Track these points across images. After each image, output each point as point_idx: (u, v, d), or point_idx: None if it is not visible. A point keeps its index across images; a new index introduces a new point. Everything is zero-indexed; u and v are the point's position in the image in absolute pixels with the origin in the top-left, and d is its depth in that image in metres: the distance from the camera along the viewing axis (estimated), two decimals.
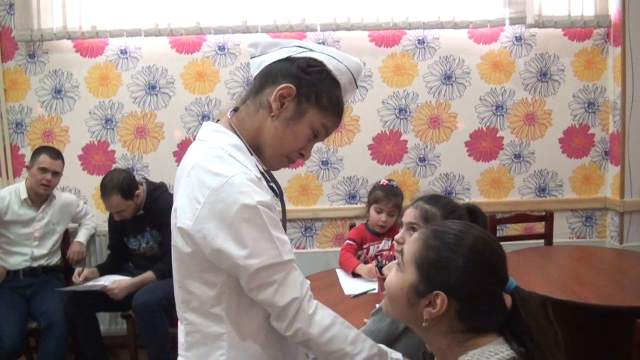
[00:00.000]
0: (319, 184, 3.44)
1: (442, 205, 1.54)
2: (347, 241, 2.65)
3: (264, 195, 1.10)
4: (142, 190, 2.88)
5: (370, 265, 2.44)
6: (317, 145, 3.37)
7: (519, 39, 3.37)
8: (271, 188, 1.24)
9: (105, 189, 2.77)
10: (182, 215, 1.11)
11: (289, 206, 3.42)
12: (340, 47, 3.29)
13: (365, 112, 3.40)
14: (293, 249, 3.52)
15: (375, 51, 3.36)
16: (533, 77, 3.40)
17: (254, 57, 1.26)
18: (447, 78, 3.39)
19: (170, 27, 3.24)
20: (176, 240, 1.15)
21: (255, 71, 1.24)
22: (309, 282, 1.19)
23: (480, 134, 3.43)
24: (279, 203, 1.27)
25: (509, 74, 3.39)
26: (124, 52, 3.35)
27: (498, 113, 3.42)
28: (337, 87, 1.21)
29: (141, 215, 2.90)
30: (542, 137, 3.45)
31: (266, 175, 1.23)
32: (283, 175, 3.37)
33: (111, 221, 3.03)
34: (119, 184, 2.77)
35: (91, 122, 3.40)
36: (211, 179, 1.07)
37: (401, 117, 3.41)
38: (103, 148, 3.41)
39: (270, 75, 1.20)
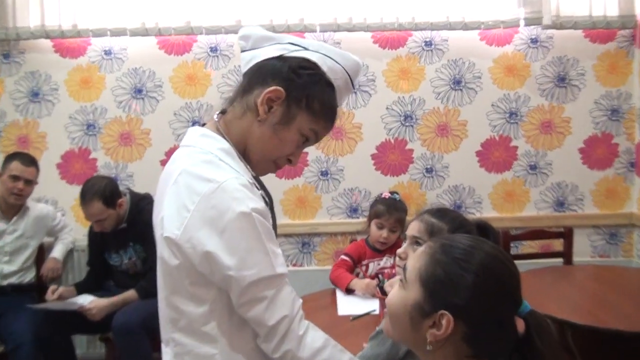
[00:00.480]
0: (318, 196, 3.42)
1: (450, 220, 1.53)
2: (342, 257, 2.64)
3: (258, 202, 1.11)
4: (125, 201, 2.85)
5: (367, 279, 2.41)
6: (316, 154, 3.37)
7: (534, 41, 3.36)
8: (263, 196, 1.24)
9: (86, 195, 2.75)
10: (169, 224, 1.11)
11: (285, 220, 3.40)
12: (342, 49, 3.27)
13: (368, 119, 3.38)
14: (289, 265, 3.49)
15: (379, 54, 3.35)
16: (550, 82, 3.38)
17: (245, 50, 1.26)
18: (457, 83, 3.37)
19: (159, 27, 3.23)
20: (162, 252, 1.14)
21: (245, 67, 1.25)
22: (300, 300, 1.18)
23: (492, 143, 3.41)
24: (272, 214, 1.27)
25: (524, 78, 3.37)
26: (107, 52, 3.34)
27: (512, 121, 3.40)
28: (331, 91, 1.22)
29: (124, 229, 2.86)
30: (560, 147, 3.42)
31: (255, 183, 1.22)
32: (279, 186, 3.36)
33: (91, 235, 2.99)
34: (100, 190, 2.75)
35: (71, 127, 3.38)
36: (201, 185, 1.08)
37: (407, 124, 3.38)
38: (84, 156, 3.39)
39: (260, 75, 1.20)
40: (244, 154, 1.20)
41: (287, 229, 3.38)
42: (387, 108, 3.38)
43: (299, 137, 1.20)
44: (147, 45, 3.33)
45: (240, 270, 1.07)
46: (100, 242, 2.96)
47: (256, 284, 1.08)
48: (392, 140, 3.40)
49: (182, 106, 3.35)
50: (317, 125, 1.20)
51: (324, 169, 3.42)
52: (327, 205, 3.43)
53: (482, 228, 1.48)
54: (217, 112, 1.25)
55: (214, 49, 3.33)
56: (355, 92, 3.36)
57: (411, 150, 3.40)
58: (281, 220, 3.40)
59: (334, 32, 3.29)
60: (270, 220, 1.15)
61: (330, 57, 1.22)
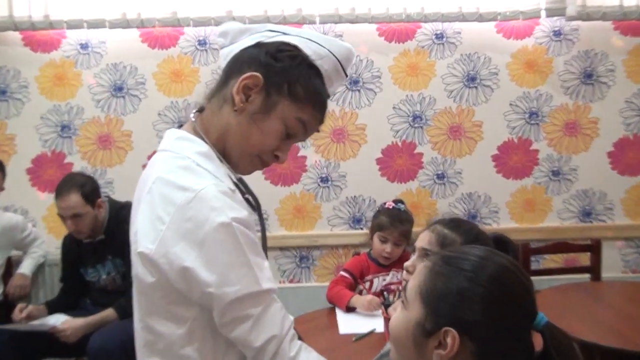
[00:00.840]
0: (317, 204, 3.42)
1: (464, 232, 1.54)
2: (341, 273, 2.63)
3: (239, 210, 1.10)
4: (104, 205, 2.85)
5: (369, 295, 2.40)
6: (316, 159, 3.38)
7: (557, 33, 3.36)
8: (247, 201, 1.23)
9: (63, 187, 2.75)
10: (143, 238, 1.11)
11: (281, 231, 3.40)
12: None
13: (373, 120, 3.39)
14: (285, 282, 3.48)
15: (384, 48, 3.36)
16: (575, 78, 3.39)
17: (224, 47, 1.28)
18: (471, 80, 3.38)
19: (141, 18, 3.23)
20: (137, 269, 1.14)
21: (223, 63, 1.26)
22: (292, 318, 1.17)
23: (510, 146, 3.41)
24: (260, 220, 1.27)
25: (546, 75, 3.38)
26: (84, 46, 3.34)
27: (532, 121, 3.40)
28: (316, 75, 1.22)
29: (102, 241, 2.85)
30: (586, 151, 3.42)
31: (240, 186, 1.23)
32: (274, 194, 3.36)
33: (65, 247, 2.98)
34: (80, 183, 2.77)
35: (44, 129, 3.38)
36: (177, 194, 1.08)
37: (416, 125, 3.39)
38: (58, 160, 3.39)
39: (236, 64, 1.21)
40: (225, 154, 1.21)
41: (284, 241, 3.38)
42: (393, 108, 3.38)
43: (282, 128, 1.19)
44: (129, 39, 3.33)
45: (221, 286, 1.07)
46: (75, 255, 2.94)
47: (240, 301, 1.08)
48: (400, 143, 3.40)
49: (167, 105, 3.35)
50: (302, 113, 1.20)
51: (324, 175, 3.41)
52: (327, 215, 3.42)
53: (501, 242, 1.48)
54: (194, 111, 1.25)
55: (202, 43, 3.34)
56: (359, 90, 3.37)
57: (420, 154, 3.40)
58: (277, 231, 3.40)
59: (335, 24, 3.29)
60: (256, 230, 1.15)
61: (313, 41, 1.23)
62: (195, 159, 1.14)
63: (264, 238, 1.26)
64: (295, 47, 1.20)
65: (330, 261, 3.44)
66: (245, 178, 1.30)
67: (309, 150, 3.40)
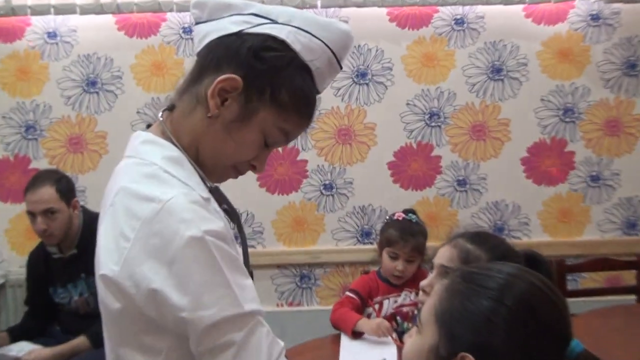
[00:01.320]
0: (320, 216, 3.42)
1: (490, 247, 1.55)
2: (347, 293, 2.63)
3: (213, 221, 1.10)
4: (79, 210, 2.85)
5: (378, 319, 2.40)
6: (318, 163, 3.38)
7: (595, 17, 3.37)
8: (225, 212, 1.23)
9: (36, 180, 2.78)
10: (105, 259, 1.11)
11: (278, 247, 3.41)
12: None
13: (384, 118, 3.40)
14: (283, 305, 3.46)
15: (396, 35, 3.37)
16: (616, 69, 3.39)
17: (199, 22, 1.26)
18: (496, 71, 3.38)
19: (117, 2, 3.24)
20: (101, 294, 1.14)
21: (198, 45, 1.24)
22: (282, 344, 1.16)
23: (542, 147, 3.42)
24: (240, 232, 1.27)
25: (582, 65, 3.38)
26: (52, 35, 3.36)
27: (567, 119, 3.41)
28: (305, 76, 1.21)
29: (74, 256, 2.86)
30: (630, 153, 3.43)
31: (217, 194, 1.23)
32: (270, 204, 3.37)
33: (32, 264, 2.98)
34: (56, 177, 2.80)
35: (5, 130, 3.40)
36: (142, 206, 1.08)
37: (433, 124, 3.39)
38: (22, 166, 3.40)
39: (213, 58, 1.20)
40: (197, 158, 1.21)
41: (281, 258, 3.38)
42: (407, 104, 3.39)
43: (261, 138, 1.20)
44: (103, 26, 3.34)
45: (195, 310, 1.05)
46: (43, 273, 2.94)
47: (218, 326, 1.06)
48: (414, 145, 3.40)
49: (148, 102, 3.36)
50: (286, 122, 1.20)
51: (327, 182, 3.42)
52: (331, 227, 3.43)
53: (532, 259, 1.49)
54: (163, 109, 1.25)
55: (187, 30, 3.34)
56: (367, 84, 3.37)
57: (438, 158, 3.41)
58: (274, 247, 3.40)
59: (340, 8, 3.30)
60: (235, 243, 1.15)
61: (306, 31, 1.21)
62: (162, 165, 1.14)
63: (245, 253, 1.25)
64: (283, 43, 1.18)
65: (335, 281, 3.44)
66: (236, 185, 1.30)
67: (311, 153, 3.40)
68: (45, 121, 3.38)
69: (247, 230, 3.34)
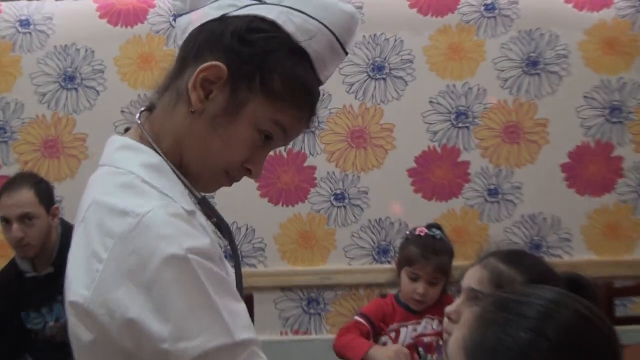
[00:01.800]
0: (331, 230, 3.43)
1: (527, 268, 1.55)
2: (355, 317, 2.63)
3: (198, 238, 1.10)
4: (58, 219, 2.88)
5: (396, 346, 2.39)
6: (328, 169, 3.39)
7: None
8: (216, 226, 1.24)
9: (12, 182, 2.81)
10: (75, 283, 1.10)
11: (282, 266, 3.41)
12: (364, 18, 3.32)
13: (403, 118, 3.41)
14: (287, 333, 3.44)
15: (418, 23, 3.38)
16: None
17: (182, 14, 1.26)
18: (532, 64, 3.39)
19: None
20: (72, 323, 1.13)
21: (181, 37, 1.25)
22: None
23: (585, 152, 3.42)
24: (232, 250, 1.26)
25: (631, 57, 3.39)
26: (24, 23, 3.38)
27: (614, 119, 3.41)
28: (302, 60, 1.21)
29: (50, 276, 2.86)
30: None
31: (205, 206, 1.23)
32: (273, 217, 3.37)
33: (2, 284, 2.98)
34: (36, 180, 2.84)
35: None
36: (116, 222, 1.08)
37: (459, 125, 3.40)
38: None
39: (192, 47, 1.20)
40: (181, 164, 1.21)
41: (286, 279, 3.39)
42: (430, 102, 3.40)
43: (255, 134, 1.19)
44: (83, 13, 3.36)
45: (178, 340, 1.04)
46: (15, 294, 2.94)
47: (205, 359, 1.05)
48: (439, 149, 3.41)
49: (134, 100, 3.37)
50: (281, 113, 1.19)
51: (339, 191, 3.43)
52: (344, 244, 3.43)
53: (575, 282, 1.49)
54: (141, 110, 1.25)
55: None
56: (384, 79, 3.37)
57: (466, 163, 3.41)
58: (277, 266, 3.41)
59: None
60: (224, 263, 1.15)
61: (300, 11, 1.20)
62: (140, 174, 1.14)
63: (238, 273, 1.24)
64: (272, 24, 1.18)
65: (347, 305, 3.42)
66: (234, 195, 1.29)
67: (319, 159, 3.41)
68: (16, 122, 3.40)
69: (246, 247, 3.36)
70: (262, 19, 1.17)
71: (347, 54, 1.28)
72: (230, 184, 1.26)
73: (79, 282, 1.09)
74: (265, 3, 1.20)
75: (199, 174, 1.21)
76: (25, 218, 2.76)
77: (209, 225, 1.20)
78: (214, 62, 1.15)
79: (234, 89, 1.17)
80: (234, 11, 1.19)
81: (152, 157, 1.18)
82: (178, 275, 1.05)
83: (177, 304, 1.04)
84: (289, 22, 1.18)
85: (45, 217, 2.81)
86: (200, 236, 1.10)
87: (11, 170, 3.36)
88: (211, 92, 1.17)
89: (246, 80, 1.16)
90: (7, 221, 2.77)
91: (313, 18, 1.20)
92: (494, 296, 1.05)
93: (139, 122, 1.23)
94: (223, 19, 1.18)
